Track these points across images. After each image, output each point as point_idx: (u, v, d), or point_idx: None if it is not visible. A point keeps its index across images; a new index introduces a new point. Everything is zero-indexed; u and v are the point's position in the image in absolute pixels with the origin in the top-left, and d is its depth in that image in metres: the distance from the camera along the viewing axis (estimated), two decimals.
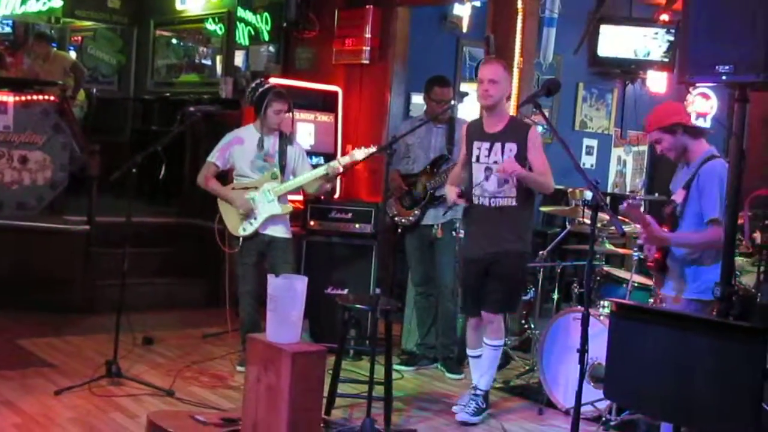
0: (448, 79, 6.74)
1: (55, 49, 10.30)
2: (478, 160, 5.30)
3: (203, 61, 11.37)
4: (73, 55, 11.40)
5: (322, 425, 4.62)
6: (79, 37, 12.15)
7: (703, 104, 9.84)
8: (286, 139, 6.23)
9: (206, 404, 5.32)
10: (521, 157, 5.18)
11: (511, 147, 5.20)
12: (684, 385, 3.29)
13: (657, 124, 4.58)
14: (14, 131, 7.85)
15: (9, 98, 7.88)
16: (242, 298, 6.20)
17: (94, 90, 11.37)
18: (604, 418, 5.39)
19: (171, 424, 4.61)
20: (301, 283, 4.48)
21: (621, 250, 6.36)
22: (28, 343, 6.49)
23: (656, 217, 4.58)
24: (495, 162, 5.22)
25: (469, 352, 5.60)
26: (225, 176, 6.33)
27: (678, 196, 4.56)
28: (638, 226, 4.75)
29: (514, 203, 5.24)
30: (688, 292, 4.51)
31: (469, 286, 5.48)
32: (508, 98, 5.89)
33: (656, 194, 8.11)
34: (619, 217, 4.88)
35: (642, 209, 4.62)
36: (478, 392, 5.43)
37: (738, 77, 3.52)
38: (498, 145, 5.23)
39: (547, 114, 4.96)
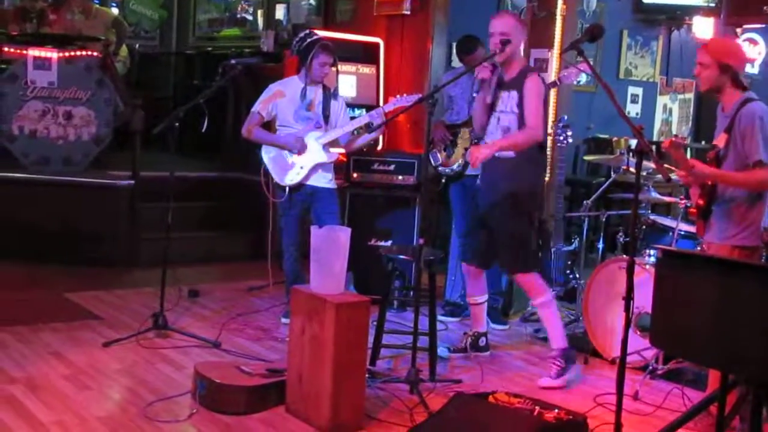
0: (477, 39, 6.61)
1: (96, 5, 10.31)
2: (494, 108, 5.29)
3: (244, 15, 11.36)
4: (115, 11, 11.42)
5: (367, 376, 4.63)
6: None
7: (751, 50, 9.69)
8: (330, 92, 6.21)
9: (252, 355, 5.35)
10: (522, 104, 5.14)
11: (513, 95, 5.18)
12: (732, 332, 3.27)
13: (715, 53, 4.47)
14: (58, 87, 7.89)
15: (53, 54, 7.91)
16: (286, 250, 6.22)
17: (137, 45, 11.41)
18: (650, 367, 5.39)
19: (218, 374, 4.65)
20: (344, 233, 4.49)
21: (667, 199, 6.29)
22: (76, 297, 6.56)
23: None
24: (501, 111, 5.24)
25: (470, 299, 5.70)
26: (267, 127, 6.31)
27: (720, 141, 4.48)
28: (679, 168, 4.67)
29: (512, 155, 5.17)
30: (733, 238, 4.46)
31: (471, 233, 5.63)
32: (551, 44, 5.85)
33: (702, 142, 8.00)
34: (665, 165, 4.81)
35: (685, 150, 4.54)
36: (555, 352, 5.31)
37: None
38: (506, 94, 5.22)
39: (591, 62, 4.87)
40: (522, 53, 5.43)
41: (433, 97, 5.31)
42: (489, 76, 5.22)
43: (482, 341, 5.71)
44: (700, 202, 4.60)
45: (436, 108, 5.39)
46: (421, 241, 5.26)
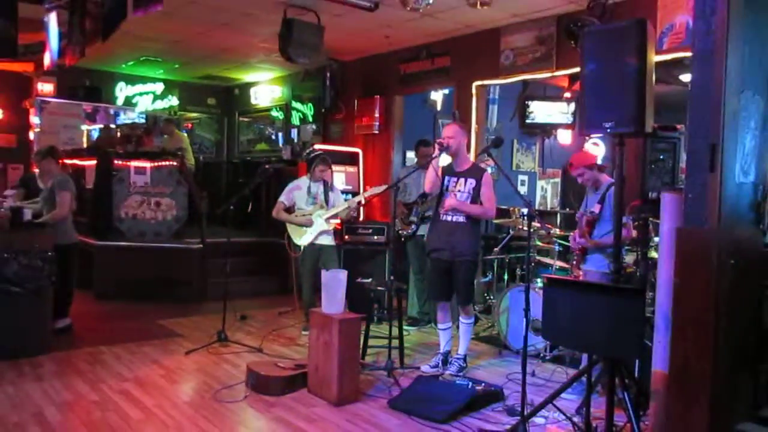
0: (429, 141, 6.75)
1: (177, 130, 10.40)
2: (447, 188, 5.04)
3: (270, 136, 11.48)
4: (186, 135, 11.54)
5: (360, 366, 4.63)
6: (190, 124, 12.27)
7: (594, 149, 9.87)
8: (328, 185, 6.27)
9: (284, 356, 5.33)
10: (477, 189, 4.95)
11: (471, 182, 4.96)
12: (592, 327, 3.30)
13: (581, 163, 4.65)
14: (151, 185, 7.92)
15: (147, 164, 7.96)
16: (304, 287, 6.20)
17: (201, 157, 11.46)
18: (541, 354, 5.42)
19: (262, 368, 4.63)
20: (343, 274, 4.51)
21: (546, 245, 6.37)
22: (166, 323, 6.52)
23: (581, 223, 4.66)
24: (459, 190, 4.97)
25: (439, 325, 5.22)
26: (288, 210, 6.36)
27: (596, 209, 4.63)
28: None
29: (465, 220, 4.94)
30: (602, 267, 4.56)
31: (435, 279, 5.09)
32: (469, 149, 5.74)
33: (567, 209, 8.12)
34: (547, 225, 4.92)
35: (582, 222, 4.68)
36: (459, 356, 5.10)
37: (617, 129, 3.59)
38: (462, 180, 5.00)
39: (495, 159, 4.97)
40: (466, 150, 5.14)
41: (396, 185, 5.41)
42: (434, 154, 5.00)
43: (450, 358, 5.16)
44: (581, 246, 4.72)
45: (398, 192, 5.46)
46: (392, 277, 5.30)
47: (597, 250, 4.60)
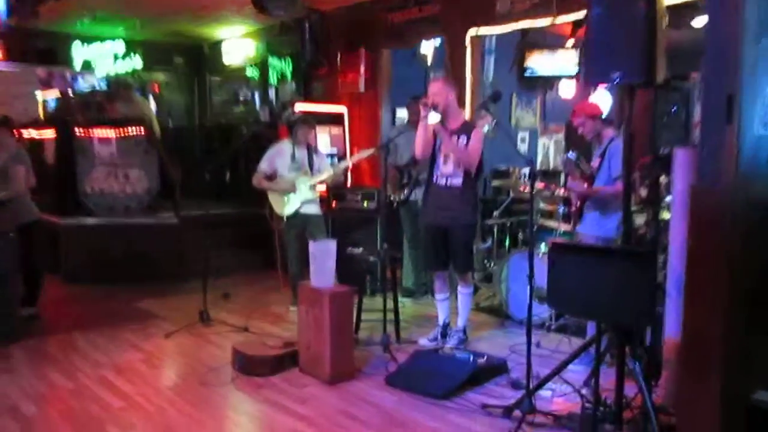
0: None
1: (135, 94, 10.29)
2: (440, 149, 5.05)
3: (246, 97, 11.39)
4: (152, 99, 11.41)
5: (353, 342, 4.70)
6: (156, 86, 12.14)
7: (601, 102, 9.83)
8: (312, 149, 6.29)
9: (271, 335, 5.39)
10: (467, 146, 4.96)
11: (464, 138, 4.98)
12: (600, 294, 3.34)
13: (584, 112, 4.71)
14: (117, 156, 7.90)
15: (112, 133, 7.93)
16: (290, 260, 6.26)
17: (170, 122, 11.38)
18: (546, 324, 5.52)
19: (249, 348, 4.71)
20: (332, 244, 4.57)
21: (550, 207, 6.42)
22: (142, 304, 6.57)
23: (581, 176, 4.71)
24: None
25: (436, 296, 5.29)
26: (269, 178, 6.36)
27: (595, 163, 4.71)
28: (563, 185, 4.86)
29: (460, 181, 4.95)
30: (598, 231, 4.65)
31: (431, 247, 5.12)
32: (461, 104, 5.63)
33: (576, 158, 8.16)
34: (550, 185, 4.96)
35: (573, 165, 4.73)
36: (458, 328, 5.20)
37: (626, 80, 3.60)
38: (455, 137, 4.99)
39: (494, 116, 4.99)
40: (456, 105, 5.14)
41: (386, 147, 5.43)
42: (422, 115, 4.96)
43: (449, 330, 5.26)
44: (578, 203, 4.81)
45: (388, 154, 5.47)
46: (385, 246, 5.35)
47: (594, 208, 4.66)
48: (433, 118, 5.02)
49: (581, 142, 4.97)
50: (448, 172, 5.03)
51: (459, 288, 5.21)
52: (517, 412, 3.80)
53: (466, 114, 6.83)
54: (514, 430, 3.55)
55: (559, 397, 4.11)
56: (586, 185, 4.67)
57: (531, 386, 3.81)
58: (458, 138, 5.00)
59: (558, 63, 9.02)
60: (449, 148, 4.97)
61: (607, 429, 3.55)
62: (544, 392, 4.11)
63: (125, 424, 3.83)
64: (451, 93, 5.06)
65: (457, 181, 5.00)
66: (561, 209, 5.80)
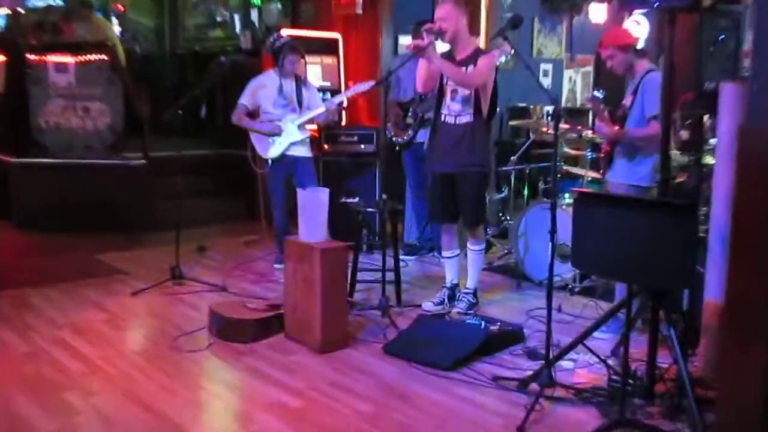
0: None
1: (95, 14, 10.13)
2: (447, 83, 4.95)
3: (224, 19, 11.25)
4: (116, 21, 11.24)
5: (348, 305, 4.71)
6: (121, 6, 11.97)
7: (637, 29, 9.74)
8: (301, 81, 6.22)
9: (253, 295, 5.41)
10: None
11: (470, 69, 4.85)
12: (631, 252, 3.34)
13: (612, 42, 4.61)
14: (76, 86, 7.81)
15: (69, 59, 7.82)
16: (275, 209, 6.25)
17: (137, 48, 11.26)
18: (570, 286, 5.55)
19: (228, 310, 4.73)
20: (324, 193, 4.56)
21: (576, 152, 6.41)
22: (105, 257, 6.59)
23: (611, 116, 4.65)
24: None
25: (443, 253, 5.32)
26: (252, 115, 6.30)
27: (627, 101, 4.65)
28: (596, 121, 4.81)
29: (471, 119, 4.87)
30: (630, 179, 4.62)
31: (437, 196, 5.08)
32: (473, 30, 5.50)
33: (602, 105, 8.12)
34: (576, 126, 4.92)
35: (600, 104, 4.65)
36: (468, 290, 5.18)
37: (666, 2, 3.53)
38: (463, 69, 4.86)
39: (512, 43, 4.89)
40: (467, 32, 4.97)
41: (387, 81, 5.35)
42: (423, 45, 4.71)
43: (457, 293, 5.25)
44: (607, 148, 4.76)
45: (390, 89, 5.41)
46: (384, 195, 5.34)
47: (625, 153, 4.62)
48: (441, 46, 4.93)
49: (614, 76, 4.89)
50: (456, 110, 4.96)
51: (468, 244, 5.19)
52: (534, 385, 3.82)
53: (480, 42, 6.75)
54: (530, 406, 3.57)
55: (582, 368, 4.15)
56: (616, 127, 4.62)
57: (550, 356, 3.82)
58: (465, 69, 4.89)
59: None
60: (447, 72, 4.82)
61: (637, 404, 3.59)
62: (566, 363, 4.13)
63: (85, 390, 3.86)
64: (463, 18, 4.92)
65: (467, 119, 4.93)
66: (588, 154, 5.78)
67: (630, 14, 7.63)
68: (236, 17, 10.81)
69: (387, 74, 5.43)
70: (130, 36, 11.40)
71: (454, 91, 4.95)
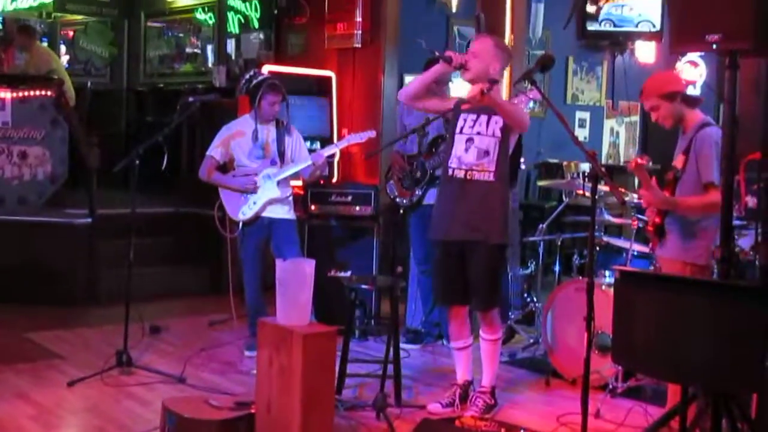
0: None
1: (39, 42, 10.25)
2: (461, 131, 4.96)
3: (195, 51, 11.38)
4: (64, 49, 11.39)
5: (335, 404, 4.65)
6: (71, 32, 12.13)
7: (691, 72, 9.86)
8: (283, 128, 6.24)
9: (218, 389, 5.34)
10: (506, 129, 4.87)
11: (497, 119, 4.87)
12: (687, 346, 3.35)
13: (655, 91, 4.62)
14: (13, 127, 7.87)
15: (6, 94, 7.90)
16: (247, 283, 6.23)
17: (88, 83, 11.37)
18: (610, 386, 5.46)
19: (186, 408, 4.62)
20: (309, 265, 4.53)
21: (618, 220, 6.40)
22: (37, 336, 6.51)
23: (658, 182, 4.65)
24: (478, 133, 4.90)
25: (452, 343, 5.26)
26: (225, 167, 6.31)
27: (678, 162, 4.63)
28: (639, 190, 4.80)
29: (491, 178, 4.86)
30: (685, 256, 4.59)
31: (445, 271, 5.06)
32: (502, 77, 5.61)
33: (650, 163, 8.16)
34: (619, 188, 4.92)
35: (649, 172, 4.64)
36: (483, 389, 5.13)
37: (727, 44, 3.56)
38: (484, 117, 4.90)
39: (540, 88, 4.91)
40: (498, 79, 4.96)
41: (424, 129, 5.30)
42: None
43: (471, 392, 5.18)
44: (657, 219, 4.74)
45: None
46: (399, 269, 5.26)
47: (678, 224, 4.60)
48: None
49: (659, 131, 4.91)
50: (469, 164, 4.93)
51: (481, 333, 5.16)
52: None
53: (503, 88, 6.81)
54: None
55: None
56: (666, 193, 4.61)
57: None
58: (489, 119, 4.91)
59: (633, 14, 9.03)
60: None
61: None
62: None
63: None
64: (498, 62, 4.95)
65: (484, 176, 4.91)
66: (637, 223, 5.76)
67: (683, 55, 7.74)
68: (209, 48, 10.94)
69: (424, 122, 5.26)
70: (81, 68, 11.54)
71: (469, 140, 4.96)
